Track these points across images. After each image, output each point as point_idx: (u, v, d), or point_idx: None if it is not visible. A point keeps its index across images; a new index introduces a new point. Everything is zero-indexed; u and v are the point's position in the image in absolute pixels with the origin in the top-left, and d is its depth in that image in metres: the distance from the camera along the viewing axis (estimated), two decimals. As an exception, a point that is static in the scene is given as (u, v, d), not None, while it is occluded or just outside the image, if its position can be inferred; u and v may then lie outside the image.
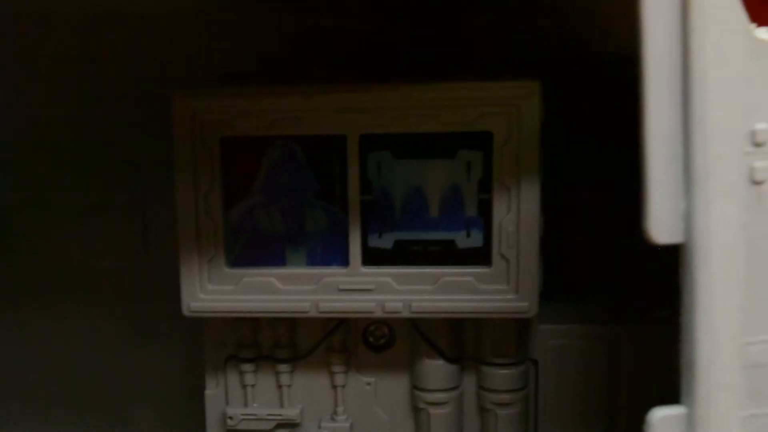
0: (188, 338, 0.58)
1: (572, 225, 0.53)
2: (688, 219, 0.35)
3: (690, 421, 0.36)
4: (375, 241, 0.49)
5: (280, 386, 0.53)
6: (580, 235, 0.55)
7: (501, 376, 0.51)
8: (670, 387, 0.51)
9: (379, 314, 0.49)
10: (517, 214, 0.47)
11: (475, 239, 0.49)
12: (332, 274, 0.50)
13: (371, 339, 0.53)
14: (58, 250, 0.64)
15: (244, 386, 0.53)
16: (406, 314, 0.49)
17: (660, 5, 0.34)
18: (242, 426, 0.54)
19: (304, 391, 0.53)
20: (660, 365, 0.51)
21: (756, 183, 0.35)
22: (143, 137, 0.60)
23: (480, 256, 0.49)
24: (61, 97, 0.62)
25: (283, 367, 0.53)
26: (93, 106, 0.61)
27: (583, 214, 0.54)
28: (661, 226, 0.35)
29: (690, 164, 0.35)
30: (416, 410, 0.53)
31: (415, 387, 0.52)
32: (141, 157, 0.61)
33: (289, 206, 0.50)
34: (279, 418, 0.53)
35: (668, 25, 0.34)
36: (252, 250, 0.50)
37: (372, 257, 0.49)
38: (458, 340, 0.52)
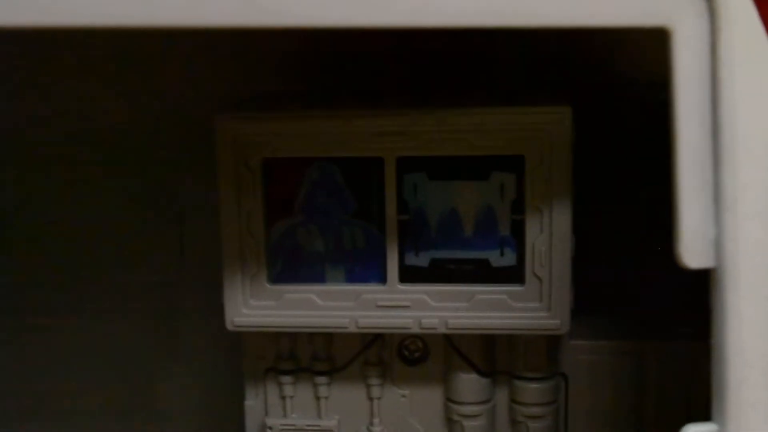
0: (217, 352, 0.60)
1: (601, 244, 0.55)
2: (718, 244, 0.36)
3: (722, 438, 0.37)
4: (412, 260, 0.51)
5: (318, 398, 0.55)
6: (609, 254, 0.56)
7: (532, 389, 0.53)
8: (697, 402, 0.53)
9: (415, 330, 0.51)
10: (550, 235, 0.49)
11: (509, 258, 0.50)
12: (370, 291, 0.51)
13: (406, 353, 0.54)
14: (94, 261, 0.66)
15: (282, 397, 0.55)
16: (441, 330, 0.51)
17: (690, 38, 0.35)
18: (281, 436, 0.56)
19: (341, 403, 0.55)
20: (685, 380, 0.53)
21: (784, 208, 0.36)
22: (179, 149, 0.62)
23: (513, 275, 0.50)
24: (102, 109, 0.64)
25: (320, 380, 0.55)
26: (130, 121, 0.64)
27: (612, 233, 0.55)
28: (693, 251, 0.36)
29: (720, 191, 0.36)
30: (450, 422, 0.54)
31: (449, 399, 0.54)
32: (180, 167, 0.63)
33: (328, 225, 0.52)
34: (317, 428, 0.55)
35: (698, 56, 0.35)
36: (293, 267, 0.52)
37: (409, 275, 0.51)
38: (491, 354, 0.53)
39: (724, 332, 0.37)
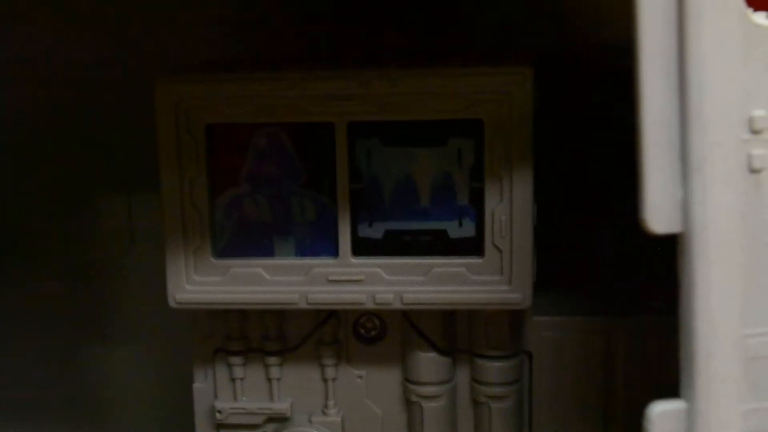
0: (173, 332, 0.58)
1: (565, 214, 0.52)
2: (685, 208, 0.34)
3: (690, 416, 0.35)
4: (365, 231, 0.48)
5: (269, 379, 0.52)
6: (574, 225, 0.54)
7: (494, 368, 0.50)
8: (667, 380, 0.50)
9: (369, 306, 0.48)
10: (510, 203, 0.46)
11: (467, 229, 0.48)
12: (321, 264, 0.48)
13: (362, 331, 0.52)
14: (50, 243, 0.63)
15: (232, 380, 0.52)
16: (397, 306, 0.48)
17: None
18: (231, 420, 0.52)
19: (294, 385, 0.52)
20: (656, 357, 0.51)
21: (754, 171, 0.34)
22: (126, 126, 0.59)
23: (472, 246, 0.47)
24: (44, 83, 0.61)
25: (272, 360, 0.52)
26: (73, 93, 0.60)
27: (576, 203, 0.53)
28: (659, 215, 0.34)
29: (687, 151, 0.34)
30: (409, 403, 0.52)
31: (407, 380, 0.51)
32: (127, 148, 0.60)
33: (277, 195, 0.49)
34: (269, 411, 0.52)
35: (664, 11, 0.33)
36: (239, 240, 0.49)
37: (362, 247, 0.48)
38: (451, 332, 0.51)
39: (692, 302, 0.35)
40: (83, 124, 0.61)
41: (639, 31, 0.33)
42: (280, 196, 0.49)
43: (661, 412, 0.36)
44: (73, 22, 0.59)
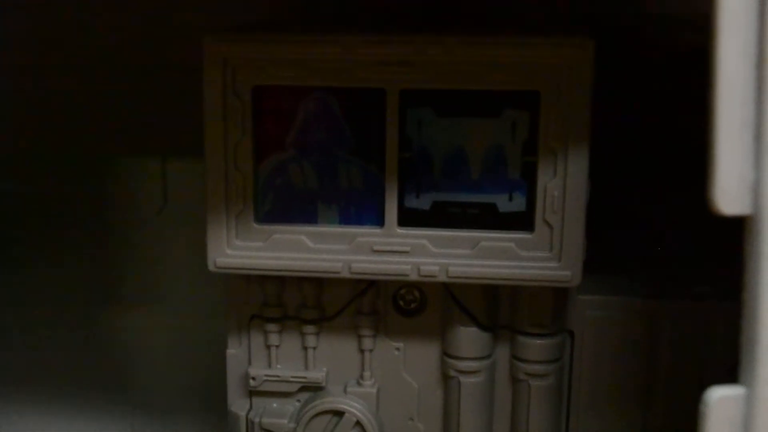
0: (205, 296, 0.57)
1: (616, 195, 0.51)
2: (757, 189, 0.33)
3: (749, 401, 0.34)
4: (412, 202, 0.47)
5: (305, 348, 0.51)
6: (625, 206, 0.52)
7: (536, 346, 0.49)
8: (711, 365, 0.49)
9: (414, 278, 0.47)
10: (564, 179, 0.45)
11: (518, 203, 0.47)
12: (366, 234, 0.47)
13: (401, 303, 0.51)
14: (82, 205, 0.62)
15: (268, 347, 0.52)
16: (442, 278, 0.47)
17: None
18: (264, 387, 0.52)
19: (330, 354, 0.52)
20: (702, 343, 0.50)
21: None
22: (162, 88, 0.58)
23: (522, 221, 0.46)
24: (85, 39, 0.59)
25: (308, 329, 0.51)
26: (110, 54, 0.59)
27: (629, 184, 0.52)
28: (728, 196, 0.33)
29: (762, 133, 0.33)
30: (446, 378, 0.51)
31: (445, 354, 0.51)
32: (163, 111, 0.59)
33: (323, 161, 0.48)
34: (303, 380, 0.52)
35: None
36: (282, 205, 0.48)
37: (408, 218, 0.47)
38: (493, 307, 0.50)
39: (757, 287, 0.34)
40: (119, 85, 0.60)
41: (718, 6, 0.32)
42: (327, 162, 0.48)
43: (719, 397, 0.35)
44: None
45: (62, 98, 0.60)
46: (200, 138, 0.48)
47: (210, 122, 0.47)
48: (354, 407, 0.51)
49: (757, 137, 0.33)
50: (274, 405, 0.52)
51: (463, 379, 0.50)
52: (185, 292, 0.61)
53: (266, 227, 0.48)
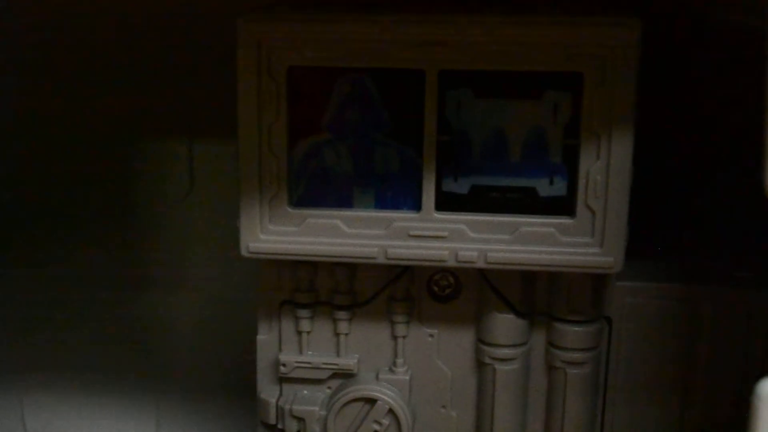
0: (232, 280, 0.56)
1: (659, 180, 0.50)
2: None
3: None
4: (450, 186, 0.46)
5: (337, 334, 0.51)
6: (668, 192, 0.51)
7: (574, 333, 0.48)
8: (752, 354, 0.48)
9: (451, 263, 0.46)
10: (607, 163, 0.44)
11: (559, 187, 0.46)
12: (403, 218, 0.46)
13: (436, 289, 0.50)
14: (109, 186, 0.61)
15: (299, 332, 0.51)
16: (480, 264, 0.46)
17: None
18: (295, 374, 0.51)
19: (362, 341, 0.51)
20: (743, 332, 0.49)
21: None
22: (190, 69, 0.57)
23: (563, 206, 0.45)
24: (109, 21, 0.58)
25: (341, 315, 0.50)
26: (138, 35, 0.58)
27: (673, 169, 0.50)
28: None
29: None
30: (481, 365, 0.50)
31: (480, 341, 0.50)
32: (190, 92, 0.58)
33: (359, 144, 0.47)
34: (335, 367, 0.51)
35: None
36: (317, 189, 0.47)
37: (446, 202, 0.46)
38: (530, 293, 0.49)
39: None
40: (147, 65, 0.59)
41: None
42: (363, 145, 0.47)
43: (772, 389, 0.34)
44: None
45: (89, 81, 0.59)
46: (227, 121, 0.47)
47: (244, 105, 0.46)
48: (386, 395, 0.50)
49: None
50: (305, 392, 0.51)
51: (498, 366, 0.49)
52: (213, 276, 0.60)
53: (300, 212, 0.47)
